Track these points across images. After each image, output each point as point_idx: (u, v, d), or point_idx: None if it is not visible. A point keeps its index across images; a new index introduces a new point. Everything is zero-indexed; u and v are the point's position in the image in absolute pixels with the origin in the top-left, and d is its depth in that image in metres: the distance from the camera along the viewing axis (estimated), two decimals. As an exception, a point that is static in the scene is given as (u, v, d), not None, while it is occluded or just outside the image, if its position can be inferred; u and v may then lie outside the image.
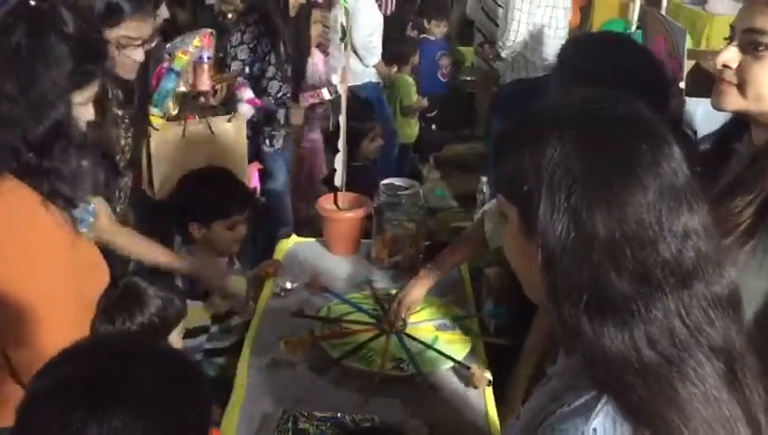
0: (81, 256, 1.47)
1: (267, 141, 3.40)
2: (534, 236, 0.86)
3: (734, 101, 1.29)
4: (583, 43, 1.86)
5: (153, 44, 2.11)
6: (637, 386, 0.81)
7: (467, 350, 1.95)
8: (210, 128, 2.74)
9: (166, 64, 2.65)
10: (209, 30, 2.97)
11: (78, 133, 1.45)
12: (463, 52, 5.90)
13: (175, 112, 2.68)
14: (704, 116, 2.14)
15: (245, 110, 3.23)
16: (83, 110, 1.46)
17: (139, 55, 1.99)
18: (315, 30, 3.80)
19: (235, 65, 3.24)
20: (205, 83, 2.83)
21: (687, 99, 2.12)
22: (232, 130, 2.87)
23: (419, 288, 2.03)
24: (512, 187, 0.89)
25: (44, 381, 0.88)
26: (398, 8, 5.51)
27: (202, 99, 2.81)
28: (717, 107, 1.32)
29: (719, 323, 0.83)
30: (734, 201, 1.22)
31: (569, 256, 0.83)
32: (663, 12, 4.04)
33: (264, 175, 3.41)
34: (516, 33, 3.80)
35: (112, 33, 1.89)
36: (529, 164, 0.86)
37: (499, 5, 4.55)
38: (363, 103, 3.72)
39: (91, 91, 1.45)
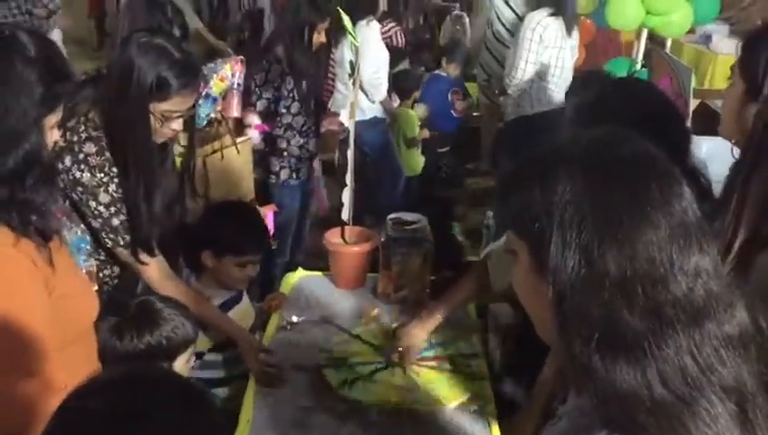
0: (60, 287, 1.43)
1: (273, 175, 3.45)
2: (545, 273, 0.86)
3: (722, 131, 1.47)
4: (601, 85, 1.89)
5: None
6: (648, 425, 0.80)
7: (472, 389, 1.94)
8: (222, 154, 2.79)
9: (201, 89, 2.68)
10: (240, 57, 3.02)
11: (48, 160, 1.41)
12: (466, 87, 5.96)
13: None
14: (708, 154, 2.17)
15: (254, 135, 3.29)
16: (52, 133, 1.43)
17: (179, 125, 1.99)
18: None
19: (260, 105, 3.29)
20: (234, 110, 2.88)
21: (694, 137, 2.14)
22: (239, 157, 2.93)
23: (420, 330, 2.02)
24: (522, 224, 0.90)
25: (70, 413, 0.89)
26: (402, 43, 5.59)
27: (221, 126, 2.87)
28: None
29: (730, 363, 0.83)
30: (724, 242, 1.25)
31: (580, 293, 0.83)
32: (667, 51, 4.09)
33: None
34: (524, 72, 3.86)
35: (158, 108, 1.90)
36: (540, 201, 0.87)
37: (505, 45, 4.63)
38: None
39: (59, 114, 1.43)
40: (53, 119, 1.42)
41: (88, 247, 2.00)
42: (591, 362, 0.83)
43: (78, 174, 1.90)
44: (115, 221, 1.95)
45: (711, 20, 4.90)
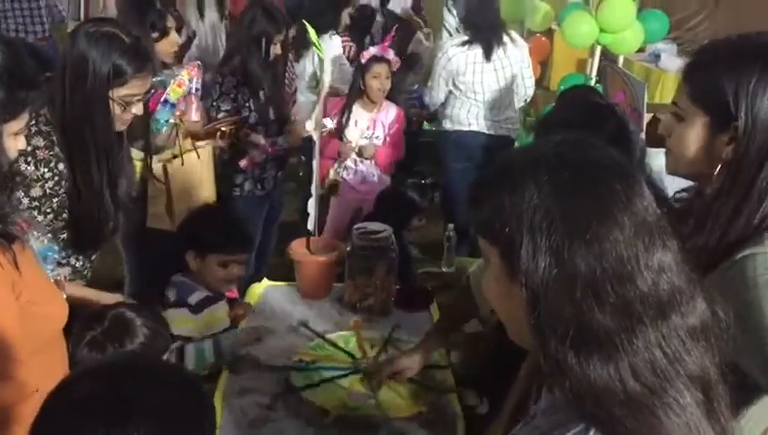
0: (27, 293, 1.43)
1: (237, 188, 3.44)
2: (517, 276, 0.89)
3: (669, 163, 1.41)
4: (564, 110, 1.99)
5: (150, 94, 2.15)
6: (623, 417, 0.84)
7: (436, 400, 1.96)
8: (182, 160, 2.79)
9: (159, 96, 2.68)
10: (197, 62, 3.02)
11: (7, 165, 1.42)
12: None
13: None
14: (662, 164, 2.25)
15: (257, 154, 3.29)
16: (14, 140, 1.43)
17: (139, 109, 2.03)
18: None
19: (220, 117, 3.28)
20: (193, 115, 2.88)
21: (648, 149, 2.22)
22: (200, 163, 2.94)
23: (416, 361, 1.96)
24: (492, 230, 0.92)
25: (60, 400, 0.89)
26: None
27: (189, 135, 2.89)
28: (667, 171, 1.44)
29: (695, 353, 0.87)
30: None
31: (552, 293, 0.87)
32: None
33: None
34: (437, 95, 4.08)
35: (117, 93, 1.93)
36: (509, 208, 0.89)
37: None
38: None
39: (23, 120, 1.43)
40: (15, 126, 1.41)
41: (55, 256, 1.98)
42: (566, 359, 0.86)
43: (23, 166, 1.90)
44: (34, 213, 1.94)
45: (660, 39, 5.08)
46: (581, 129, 1.70)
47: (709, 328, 0.90)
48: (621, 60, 4.61)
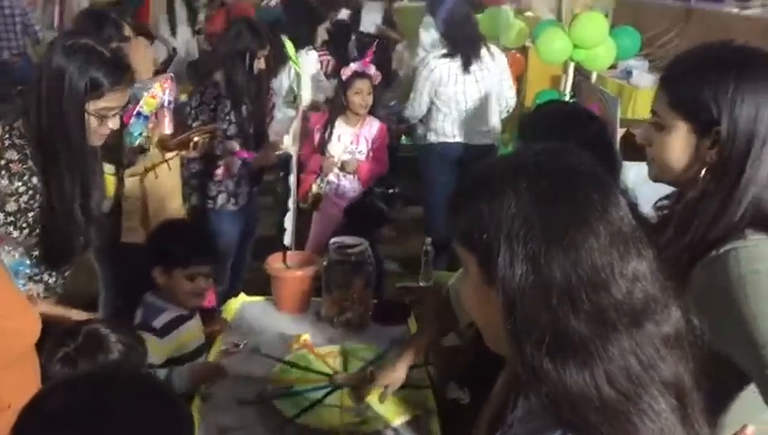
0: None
1: (210, 200, 3.43)
2: (495, 283, 0.90)
3: (651, 171, 1.45)
4: (545, 117, 2.03)
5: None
6: (599, 424, 0.84)
7: (415, 399, 1.97)
8: (156, 173, 2.79)
9: (132, 108, 2.67)
10: (169, 74, 3.02)
11: None
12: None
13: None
14: (636, 178, 2.29)
15: (234, 162, 3.28)
16: None
17: (115, 123, 2.01)
18: None
19: (195, 126, 3.28)
20: (166, 128, 2.88)
21: (623, 163, 2.26)
22: (172, 174, 2.93)
23: (399, 371, 1.94)
24: (471, 238, 0.93)
25: (33, 415, 0.87)
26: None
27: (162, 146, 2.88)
28: (650, 178, 1.47)
29: (669, 360, 0.88)
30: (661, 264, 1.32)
31: (529, 300, 0.87)
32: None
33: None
34: (418, 108, 4.14)
35: (94, 106, 1.92)
36: (488, 216, 0.90)
37: None
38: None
39: None
40: None
41: (27, 271, 1.95)
42: (543, 365, 0.87)
43: None
44: (9, 229, 1.92)
45: (632, 56, 5.17)
46: (563, 133, 1.75)
47: (683, 336, 0.91)
48: (595, 76, 4.68)
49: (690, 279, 1.30)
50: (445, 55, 4.04)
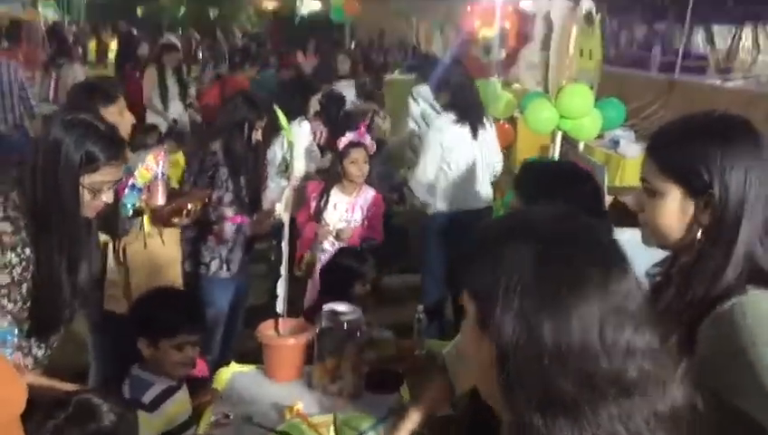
0: None
1: (203, 266, 3.43)
2: (489, 333, 0.91)
3: (646, 238, 1.50)
4: (539, 175, 2.09)
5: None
6: None
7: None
8: (145, 243, 2.79)
9: (126, 181, 2.69)
10: (164, 146, 3.07)
11: None
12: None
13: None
14: (626, 244, 2.31)
15: (227, 229, 3.29)
16: None
17: (109, 197, 2.03)
18: None
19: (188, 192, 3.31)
20: (160, 199, 2.90)
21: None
22: (165, 247, 2.93)
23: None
24: (473, 284, 0.96)
25: None
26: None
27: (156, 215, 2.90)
28: (644, 244, 1.51)
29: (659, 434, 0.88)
30: (665, 325, 1.33)
31: (521, 356, 0.89)
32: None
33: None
34: (425, 172, 4.16)
35: (88, 180, 1.94)
36: (490, 265, 0.93)
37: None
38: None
39: None
40: None
41: (14, 340, 1.94)
42: (533, 420, 0.88)
43: None
44: (3, 302, 1.91)
45: (618, 126, 5.29)
46: (560, 189, 1.79)
47: (681, 417, 0.91)
48: (582, 145, 4.78)
49: (697, 337, 1.32)
50: (455, 121, 4.12)
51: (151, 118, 6.84)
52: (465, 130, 4.12)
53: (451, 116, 4.15)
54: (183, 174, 3.41)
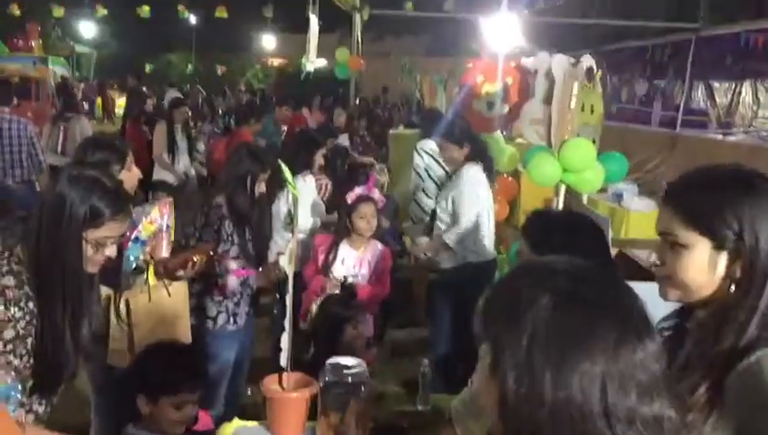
0: None
1: (210, 320, 3.41)
2: (497, 376, 0.92)
3: (668, 292, 1.44)
4: (546, 223, 2.10)
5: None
6: None
7: None
8: (149, 296, 2.78)
9: (130, 233, 2.70)
10: (168, 199, 3.09)
11: None
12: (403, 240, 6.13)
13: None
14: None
15: (232, 282, 3.29)
16: None
17: (112, 252, 2.03)
18: None
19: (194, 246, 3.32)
20: (164, 252, 2.90)
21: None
22: (171, 300, 2.92)
23: None
24: (486, 328, 0.97)
25: None
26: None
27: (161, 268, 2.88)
28: (663, 298, 1.46)
29: None
30: (689, 378, 1.32)
31: (520, 405, 0.89)
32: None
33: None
34: (469, 223, 4.19)
35: (92, 235, 1.95)
36: (506, 314, 0.94)
37: (430, 198, 4.98)
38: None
39: None
40: None
41: (18, 396, 1.91)
42: None
43: None
44: (9, 358, 1.89)
45: (620, 179, 5.32)
46: (568, 238, 1.79)
47: None
48: (585, 198, 4.80)
49: (725, 389, 1.30)
50: (482, 169, 4.21)
51: (159, 173, 6.92)
52: (485, 177, 4.22)
53: (479, 167, 4.21)
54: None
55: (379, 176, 6.27)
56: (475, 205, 4.18)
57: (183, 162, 7.16)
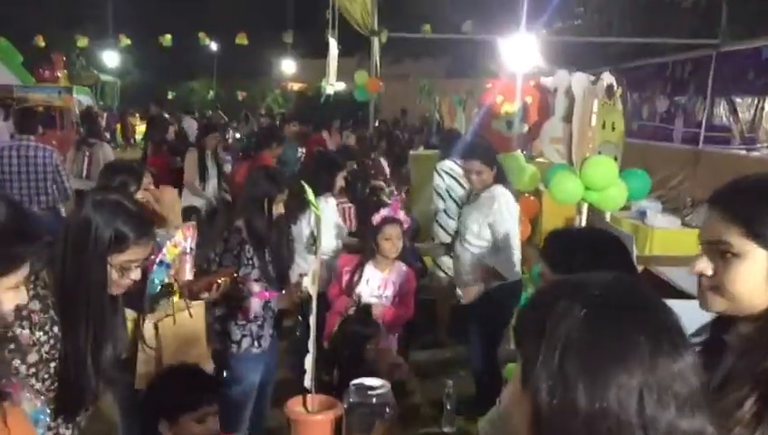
0: None
1: (234, 344, 3.42)
2: (528, 389, 0.91)
3: (715, 303, 1.39)
4: (565, 243, 2.09)
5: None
6: None
7: None
8: (174, 318, 2.80)
9: (155, 257, 2.73)
10: (192, 223, 3.12)
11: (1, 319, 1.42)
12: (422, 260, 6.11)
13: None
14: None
15: (255, 304, 3.30)
16: (13, 293, 1.44)
17: (137, 275, 2.05)
18: None
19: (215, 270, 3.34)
20: (187, 274, 2.93)
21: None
22: (192, 321, 2.94)
23: None
24: (520, 343, 0.97)
25: None
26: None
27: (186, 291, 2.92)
28: (704, 309, 1.42)
29: None
30: (735, 392, 1.28)
31: (554, 417, 0.88)
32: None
33: (225, 380, 3.39)
34: (509, 254, 4.16)
35: (117, 259, 1.96)
36: (537, 325, 0.93)
37: (451, 218, 4.97)
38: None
39: (22, 274, 1.45)
40: (13, 279, 1.43)
41: (47, 420, 1.93)
42: None
43: (18, 330, 1.88)
44: (32, 381, 1.90)
45: (643, 197, 5.28)
46: (589, 257, 1.77)
47: None
48: (608, 216, 4.76)
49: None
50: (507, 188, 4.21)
51: (188, 199, 6.99)
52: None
53: (507, 188, 4.23)
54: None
55: (388, 198, 6.28)
56: (513, 226, 4.17)
57: (212, 187, 7.24)
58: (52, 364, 1.93)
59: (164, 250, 2.90)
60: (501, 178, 4.25)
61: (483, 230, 4.20)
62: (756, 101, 7.85)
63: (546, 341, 0.90)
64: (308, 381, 2.47)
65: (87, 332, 1.97)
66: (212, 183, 7.24)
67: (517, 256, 4.25)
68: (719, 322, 1.45)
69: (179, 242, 2.94)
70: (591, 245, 2.00)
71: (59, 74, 20.25)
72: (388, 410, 2.36)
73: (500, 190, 4.20)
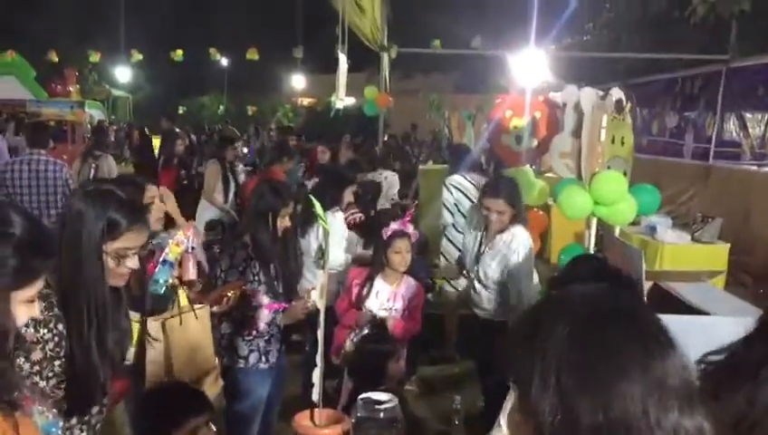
0: None
1: (242, 360, 3.41)
2: (529, 414, 0.90)
3: None
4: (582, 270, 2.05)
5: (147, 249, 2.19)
6: None
7: None
8: (180, 319, 2.81)
9: (158, 256, 2.73)
10: (191, 222, 3.13)
11: (13, 332, 1.42)
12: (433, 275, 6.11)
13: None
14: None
15: (264, 316, 3.30)
16: (27, 307, 1.45)
17: (134, 263, 2.06)
18: None
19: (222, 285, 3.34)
20: (191, 273, 2.93)
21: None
22: (198, 323, 2.94)
23: None
24: (512, 371, 0.96)
25: None
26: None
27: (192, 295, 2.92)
28: None
29: None
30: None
31: (557, 433, 0.87)
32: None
33: (233, 395, 3.38)
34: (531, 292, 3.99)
35: (111, 247, 1.98)
36: (528, 347, 0.93)
37: (460, 232, 4.94)
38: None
39: (37, 287, 1.46)
40: (28, 292, 1.44)
41: (59, 433, 1.93)
42: None
43: (22, 329, 1.85)
44: (36, 379, 1.91)
45: (653, 212, 5.26)
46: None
47: None
48: (618, 231, 4.74)
49: None
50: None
51: (203, 212, 6.99)
52: None
53: (522, 226, 4.06)
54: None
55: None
56: (530, 266, 3.98)
57: (230, 199, 7.27)
58: (57, 362, 1.93)
59: (167, 249, 2.90)
60: (520, 219, 4.00)
61: (503, 274, 3.99)
62: (766, 117, 7.82)
63: (539, 364, 0.90)
64: (315, 395, 2.47)
65: (89, 321, 1.97)
66: (230, 196, 7.27)
67: (535, 287, 4.17)
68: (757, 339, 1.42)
69: (181, 241, 2.94)
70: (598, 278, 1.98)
71: (71, 89, 20.44)
72: (395, 424, 2.35)
73: (518, 232, 3.96)
